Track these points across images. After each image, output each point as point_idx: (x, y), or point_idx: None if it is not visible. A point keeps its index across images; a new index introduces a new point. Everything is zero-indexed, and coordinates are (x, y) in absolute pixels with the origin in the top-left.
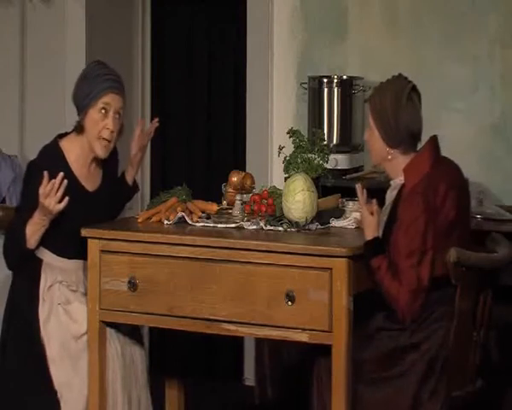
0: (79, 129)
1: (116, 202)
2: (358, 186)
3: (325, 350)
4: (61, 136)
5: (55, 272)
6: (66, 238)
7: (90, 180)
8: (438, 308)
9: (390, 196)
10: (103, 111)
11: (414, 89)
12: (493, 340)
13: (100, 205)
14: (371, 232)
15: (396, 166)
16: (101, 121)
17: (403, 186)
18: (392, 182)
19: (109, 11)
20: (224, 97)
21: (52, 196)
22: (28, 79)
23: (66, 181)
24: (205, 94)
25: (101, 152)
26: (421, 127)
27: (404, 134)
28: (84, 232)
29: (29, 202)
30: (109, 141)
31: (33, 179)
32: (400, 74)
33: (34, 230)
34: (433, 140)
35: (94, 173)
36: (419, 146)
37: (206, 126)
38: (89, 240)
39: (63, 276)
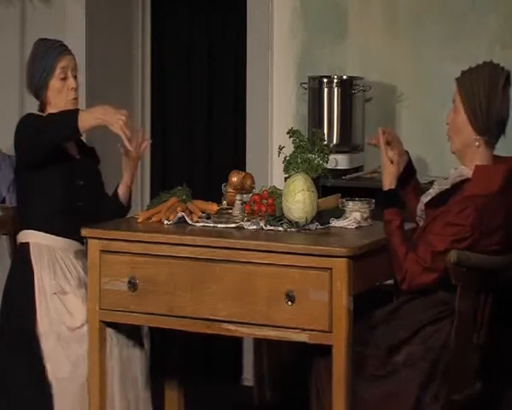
0: (43, 107)
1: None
2: (380, 130)
3: (324, 350)
4: None
5: (44, 252)
6: (50, 207)
7: (70, 148)
8: (447, 319)
9: (453, 176)
10: (62, 75)
11: (508, 77)
12: (493, 341)
13: (83, 175)
14: (389, 182)
15: (473, 157)
16: (63, 86)
17: (467, 180)
18: (461, 167)
19: (109, 11)
20: (224, 97)
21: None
22: None
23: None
24: (205, 94)
25: (73, 107)
26: (508, 118)
27: (494, 121)
28: (84, 232)
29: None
30: (76, 98)
31: (34, 117)
32: (492, 61)
33: (87, 118)
34: None
35: (71, 145)
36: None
37: (206, 126)
38: (89, 240)
39: (53, 255)
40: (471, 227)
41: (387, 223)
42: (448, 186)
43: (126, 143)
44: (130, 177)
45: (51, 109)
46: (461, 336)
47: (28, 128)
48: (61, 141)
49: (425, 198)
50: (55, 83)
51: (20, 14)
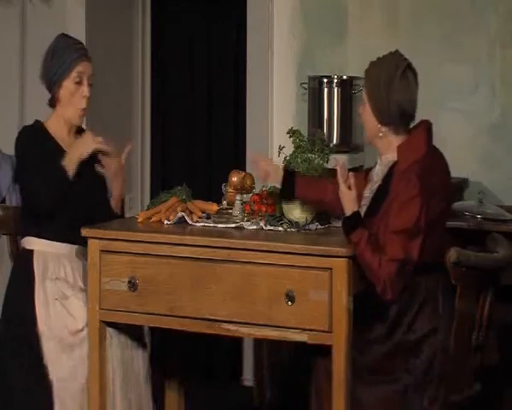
0: (53, 103)
1: (100, 191)
2: (337, 162)
3: (324, 351)
4: (39, 121)
5: (48, 259)
6: (55, 216)
7: None
8: (428, 305)
9: (380, 171)
10: (78, 80)
11: (409, 67)
12: (493, 341)
13: (86, 178)
14: (351, 207)
15: (388, 144)
16: (76, 90)
17: (394, 164)
18: (383, 157)
19: (109, 11)
20: (224, 97)
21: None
22: (28, 79)
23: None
24: (205, 94)
25: (79, 121)
26: (414, 108)
27: (396, 112)
28: (84, 232)
29: (37, 161)
30: (85, 108)
31: (29, 147)
32: (397, 51)
33: (73, 160)
34: (428, 125)
35: None
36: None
37: (207, 126)
38: (89, 240)
39: (56, 264)
40: (420, 195)
41: (356, 244)
42: (380, 182)
43: (106, 146)
44: (118, 190)
45: (61, 108)
46: (460, 336)
47: (27, 178)
48: (61, 196)
49: (365, 201)
50: (68, 84)
51: (20, 14)
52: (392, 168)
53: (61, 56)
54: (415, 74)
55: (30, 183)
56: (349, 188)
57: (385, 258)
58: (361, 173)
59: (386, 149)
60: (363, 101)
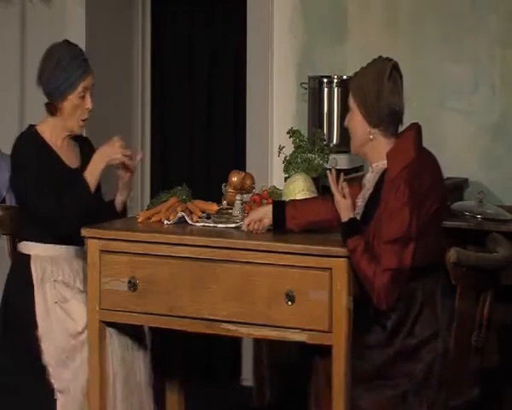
0: (54, 111)
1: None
2: (329, 172)
3: (324, 351)
4: (33, 126)
5: (46, 263)
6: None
7: (69, 159)
8: (427, 308)
9: (371, 179)
10: (82, 94)
11: (395, 68)
12: (493, 341)
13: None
14: (347, 214)
15: (377, 150)
16: (80, 104)
17: (385, 171)
18: (373, 165)
19: (109, 11)
20: (224, 97)
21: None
22: (28, 79)
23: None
24: (205, 94)
25: (79, 131)
26: (402, 108)
27: (386, 111)
28: (84, 232)
29: (41, 177)
30: (87, 119)
31: (27, 158)
32: (380, 56)
33: (94, 176)
34: (417, 128)
35: (69, 152)
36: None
37: (207, 126)
38: (89, 240)
39: (55, 267)
40: (409, 202)
41: (353, 252)
42: (371, 189)
43: (130, 162)
44: (126, 195)
45: (62, 118)
46: (460, 337)
47: (37, 195)
48: (86, 212)
49: (359, 210)
50: (74, 98)
51: (20, 14)
52: (383, 176)
53: (66, 70)
54: (400, 76)
55: (41, 201)
56: (344, 197)
57: (379, 268)
58: (355, 182)
59: (375, 155)
60: (349, 111)
